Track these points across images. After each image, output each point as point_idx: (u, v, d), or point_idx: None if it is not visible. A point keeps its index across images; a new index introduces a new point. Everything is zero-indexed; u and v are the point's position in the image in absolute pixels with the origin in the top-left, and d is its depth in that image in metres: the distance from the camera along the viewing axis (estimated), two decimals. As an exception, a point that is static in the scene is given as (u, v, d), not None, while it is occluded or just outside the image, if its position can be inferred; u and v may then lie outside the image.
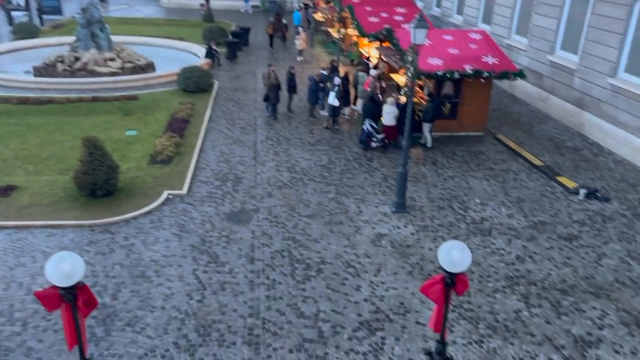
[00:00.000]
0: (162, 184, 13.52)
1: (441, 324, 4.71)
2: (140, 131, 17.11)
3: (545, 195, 13.57)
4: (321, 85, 18.55)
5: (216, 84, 22.84)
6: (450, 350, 8.31)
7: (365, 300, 9.52)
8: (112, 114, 18.61)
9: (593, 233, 11.80)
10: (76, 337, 4.00)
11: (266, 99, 18.73)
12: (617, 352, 8.37)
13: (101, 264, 10.36)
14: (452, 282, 4.55)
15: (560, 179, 14.31)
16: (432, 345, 5.06)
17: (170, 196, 13.06)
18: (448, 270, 4.52)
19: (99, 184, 12.38)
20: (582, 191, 13.40)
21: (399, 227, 11.89)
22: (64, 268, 3.79)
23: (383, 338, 8.62)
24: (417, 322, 8.98)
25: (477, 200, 13.19)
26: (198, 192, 13.34)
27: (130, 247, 10.92)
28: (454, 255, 4.48)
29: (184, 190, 13.31)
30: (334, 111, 17.84)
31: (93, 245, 10.95)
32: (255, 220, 12.11)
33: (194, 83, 21.29)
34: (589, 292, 9.79)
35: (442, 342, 4.82)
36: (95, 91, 20.97)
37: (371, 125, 16.00)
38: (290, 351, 8.32)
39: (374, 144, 16.04)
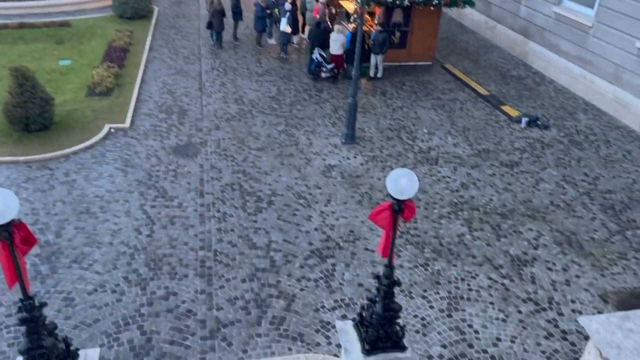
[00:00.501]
0: (102, 117, 12.89)
1: (389, 249, 4.84)
2: (75, 61, 16.04)
3: (490, 124, 13.93)
4: (268, 11, 17.78)
5: (155, 9, 21.47)
6: (398, 273, 8.69)
7: (316, 229, 9.69)
8: (43, 42, 17.28)
9: (532, 159, 12.32)
10: (16, 275, 3.85)
11: (210, 26, 17.81)
12: (549, 269, 9.00)
13: (41, 201, 9.94)
14: (400, 209, 4.62)
15: (504, 107, 14.67)
16: (380, 270, 5.24)
17: (112, 130, 12.50)
18: (396, 197, 4.57)
19: (32, 118, 11.65)
20: (524, 119, 13.83)
21: (348, 158, 11.98)
22: (-4, 205, 3.57)
23: (334, 265, 8.88)
24: (366, 249, 9.27)
25: (425, 130, 13.39)
26: (142, 125, 12.83)
27: (72, 183, 10.50)
28: (401, 183, 4.52)
29: (127, 124, 12.75)
30: (286, 39, 17.26)
31: (31, 182, 10.45)
32: (203, 153, 11.85)
33: (131, 9, 19.92)
34: (527, 215, 10.35)
35: (389, 267, 4.98)
36: (22, 17, 19.30)
37: (320, 55, 15.64)
38: (243, 281, 8.45)
39: (323, 74, 15.76)
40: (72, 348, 4.67)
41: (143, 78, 15.29)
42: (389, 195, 4.55)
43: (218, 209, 10.04)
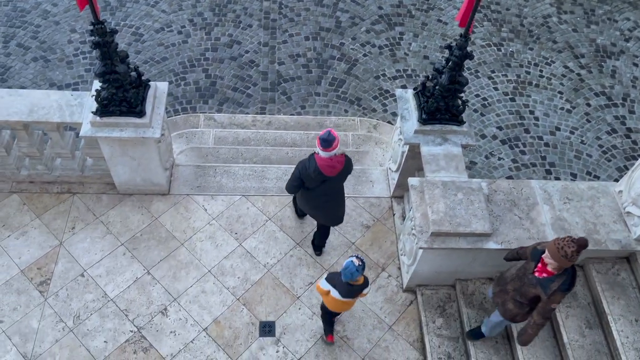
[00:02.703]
0: None
1: (468, 17, 4.43)
2: None
3: None
4: None
5: None
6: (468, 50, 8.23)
7: (388, -8, 8.98)
8: None
9: None
10: (86, -3, 3.82)
11: None
12: (635, 64, 8.27)
13: None
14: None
15: None
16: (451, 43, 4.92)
17: None
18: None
19: None
20: None
21: None
22: None
23: (401, 33, 8.44)
24: (439, 20, 8.66)
25: None
26: None
27: None
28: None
29: None
30: None
31: None
32: None
33: None
34: (628, 2, 9.12)
35: (465, 36, 4.63)
36: None
37: None
38: (307, 38, 8.27)
39: None
40: (143, 78, 4.89)
41: None
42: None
43: (286, -42, 9.29)
